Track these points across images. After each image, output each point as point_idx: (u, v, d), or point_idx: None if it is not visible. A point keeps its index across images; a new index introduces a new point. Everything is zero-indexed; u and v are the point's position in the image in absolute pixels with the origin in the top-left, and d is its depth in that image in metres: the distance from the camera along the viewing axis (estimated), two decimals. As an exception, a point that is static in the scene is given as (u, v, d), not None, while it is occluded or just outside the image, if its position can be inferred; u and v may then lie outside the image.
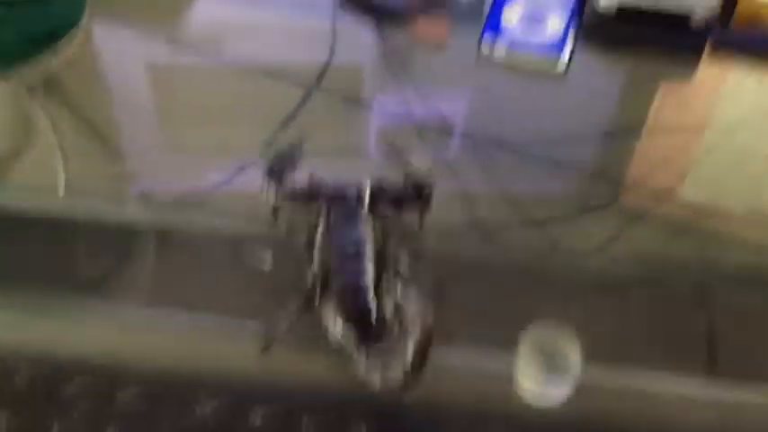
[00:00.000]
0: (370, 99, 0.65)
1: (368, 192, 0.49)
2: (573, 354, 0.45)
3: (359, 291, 0.45)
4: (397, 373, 0.42)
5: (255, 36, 0.69)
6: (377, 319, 0.44)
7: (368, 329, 0.44)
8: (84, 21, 0.58)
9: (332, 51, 0.66)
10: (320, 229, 0.47)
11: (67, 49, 0.56)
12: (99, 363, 0.44)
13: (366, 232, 0.47)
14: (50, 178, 0.57)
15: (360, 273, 0.45)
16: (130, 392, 0.43)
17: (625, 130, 0.64)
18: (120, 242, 0.53)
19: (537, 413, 0.44)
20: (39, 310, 0.47)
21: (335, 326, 0.44)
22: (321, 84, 0.64)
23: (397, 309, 0.45)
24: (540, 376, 0.44)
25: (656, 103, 0.65)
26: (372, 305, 0.45)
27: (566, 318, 0.46)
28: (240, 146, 0.60)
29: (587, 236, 0.56)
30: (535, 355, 0.45)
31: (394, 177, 0.50)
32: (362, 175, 0.58)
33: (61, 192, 0.56)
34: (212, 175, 0.57)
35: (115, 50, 0.66)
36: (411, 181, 0.50)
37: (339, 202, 0.48)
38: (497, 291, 0.49)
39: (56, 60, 0.56)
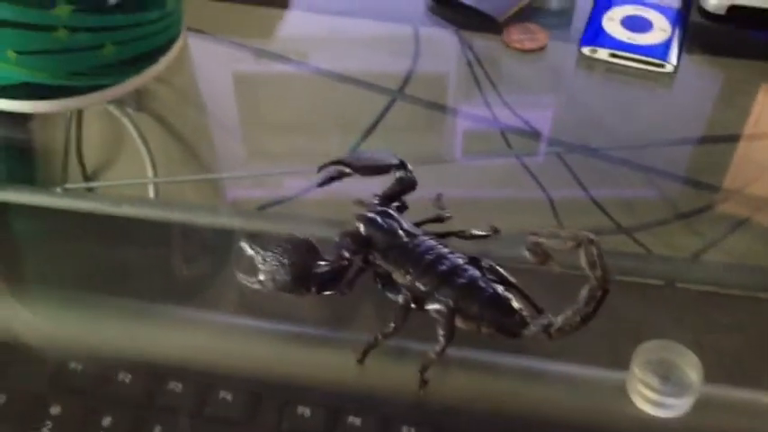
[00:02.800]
0: (455, 106, 0.64)
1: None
2: (691, 369, 0.42)
3: (489, 294, 0.42)
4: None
5: (341, 46, 0.68)
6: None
7: (518, 322, 0.42)
8: (181, 36, 0.58)
9: (416, 58, 0.65)
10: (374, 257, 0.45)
11: (163, 64, 0.57)
12: (196, 369, 0.44)
13: (421, 233, 0.45)
14: (140, 187, 0.58)
15: (470, 276, 0.43)
16: (227, 398, 0.42)
17: (727, 135, 0.61)
18: (212, 248, 0.53)
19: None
20: (136, 315, 0.47)
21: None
22: (405, 91, 0.62)
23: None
24: (656, 394, 0.41)
25: (759, 108, 0.61)
26: (510, 298, 0.42)
27: (672, 330, 0.44)
28: (325, 153, 0.59)
29: (680, 244, 0.53)
30: (649, 371, 0.42)
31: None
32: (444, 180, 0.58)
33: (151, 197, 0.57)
34: (298, 182, 0.57)
35: (205, 64, 0.66)
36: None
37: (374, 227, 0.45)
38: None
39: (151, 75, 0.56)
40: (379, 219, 0.45)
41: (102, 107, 0.61)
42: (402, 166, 0.49)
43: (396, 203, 0.48)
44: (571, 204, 0.55)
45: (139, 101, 0.62)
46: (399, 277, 0.44)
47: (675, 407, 0.41)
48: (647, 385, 0.41)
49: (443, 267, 0.43)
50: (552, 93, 0.65)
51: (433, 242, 0.45)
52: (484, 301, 0.42)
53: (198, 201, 0.58)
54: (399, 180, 0.48)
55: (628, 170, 0.57)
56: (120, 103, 0.61)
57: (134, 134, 0.60)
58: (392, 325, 0.42)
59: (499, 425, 0.42)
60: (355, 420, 0.41)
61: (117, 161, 0.59)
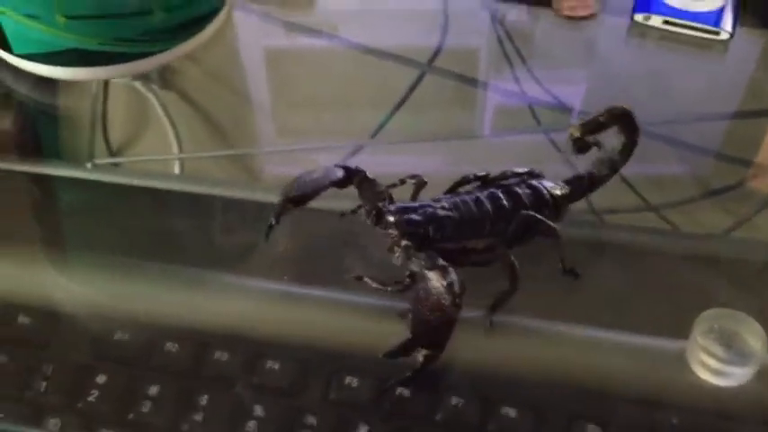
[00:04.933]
0: (486, 80, 0.62)
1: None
2: (754, 338, 0.41)
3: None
4: None
5: (371, 19, 0.67)
6: None
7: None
8: (226, 3, 0.57)
9: (444, 31, 0.64)
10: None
11: (210, 31, 0.56)
12: (243, 337, 0.43)
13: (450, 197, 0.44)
14: (166, 163, 0.57)
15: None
16: (275, 368, 0.41)
17: (762, 110, 0.59)
18: (245, 220, 0.52)
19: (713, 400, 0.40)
20: (180, 283, 0.47)
21: None
22: (435, 65, 0.61)
23: None
24: (718, 363, 0.40)
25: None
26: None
27: (734, 300, 0.42)
28: (354, 129, 0.58)
29: (709, 221, 0.52)
30: (712, 339, 0.40)
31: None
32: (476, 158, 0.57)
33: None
34: (327, 158, 0.55)
35: (233, 38, 0.65)
36: None
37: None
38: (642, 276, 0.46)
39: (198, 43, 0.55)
40: (412, 215, 0.43)
41: (127, 83, 0.60)
42: (348, 177, 0.45)
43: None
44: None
45: (165, 77, 0.61)
46: (475, 244, 0.43)
47: (738, 375, 0.40)
48: (710, 353, 0.40)
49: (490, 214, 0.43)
50: (599, 63, 0.64)
51: (464, 197, 0.44)
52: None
53: (224, 177, 0.57)
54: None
55: (661, 145, 0.56)
56: (145, 79, 0.60)
57: (159, 111, 0.59)
58: (512, 282, 0.42)
59: (555, 396, 0.40)
60: (404, 391, 0.40)
61: (143, 137, 0.58)
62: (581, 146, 0.46)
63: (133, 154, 0.57)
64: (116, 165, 0.57)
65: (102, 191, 0.53)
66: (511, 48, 0.63)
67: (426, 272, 0.39)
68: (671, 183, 0.55)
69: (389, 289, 0.42)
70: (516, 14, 0.66)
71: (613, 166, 0.47)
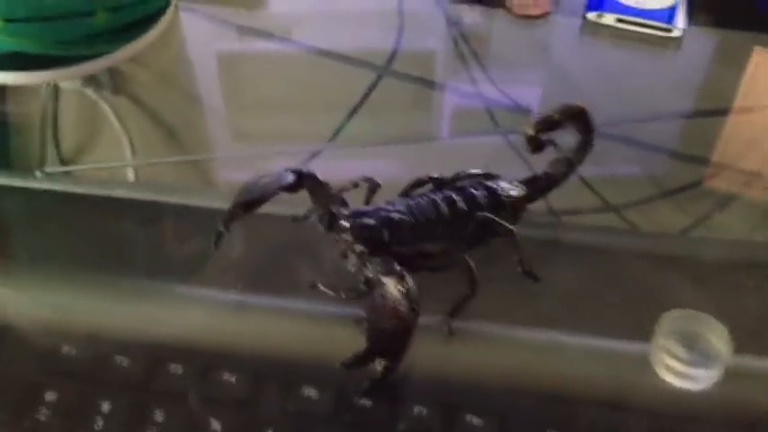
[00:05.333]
0: (443, 82, 0.62)
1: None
2: (718, 339, 0.40)
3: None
4: None
5: (325, 21, 0.66)
6: None
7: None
8: (172, 4, 0.55)
9: (400, 33, 0.63)
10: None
11: (155, 33, 0.54)
12: (196, 349, 0.42)
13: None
14: (119, 170, 0.55)
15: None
16: (230, 380, 0.40)
17: (720, 108, 0.59)
18: (199, 228, 0.50)
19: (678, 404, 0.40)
20: (131, 295, 0.45)
21: None
22: (391, 67, 0.60)
23: None
24: (682, 365, 0.39)
25: (750, 78, 0.60)
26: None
27: (695, 301, 0.42)
28: (311, 133, 0.57)
29: (666, 220, 0.52)
30: (674, 342, 0.40)
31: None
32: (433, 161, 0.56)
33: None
34: (283, 162, 0.54)
35: (184, 41, 0.64)
36: None
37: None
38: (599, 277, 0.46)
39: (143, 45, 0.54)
40: (365, 220, 0.42)
41: (77, 89, 0.58)
42: (299, 181, 0.43)
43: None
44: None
45: (116, 82, 0.59)
46: (431, 248, 0.42)
47: (703, 378, 0.39)
48: (673, 355, 0.39)
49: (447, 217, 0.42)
50: (554, 63, 0.63)
51: (419, 200, 0.43)
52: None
53: (179, 183, 0.55)
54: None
55: (617, 145, 0.55)
56: (97, 85, 0.58)
57: (111, 117, 0.57)
58: (471, 286, 0.40)
59: (518, 402, 0.39)
60: (364, 401, 0.39)
61: (95, 144, 0.57)
62: (536, 144, 0.45)
63: (85, 161, 0.56)
64: (67, 173, 0.55)
65: (51, 200, 0.51)
66: (466, 49, 0.62)
67: (382, 278, 0.37)
68: (628, 183, 0.54)
69: (344, 296, 0.41)
70: (471, 15, 0.65)
71: (570, 165, 0.46)
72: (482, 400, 0.39)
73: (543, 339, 0.42)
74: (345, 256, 0.41)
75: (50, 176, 0.54)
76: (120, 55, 0.52)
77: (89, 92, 0.58)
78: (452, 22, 0.64)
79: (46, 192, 0.52)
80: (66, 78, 0.53)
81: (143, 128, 0.57)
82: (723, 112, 0.59)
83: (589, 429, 0.39)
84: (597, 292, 0.44)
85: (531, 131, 0.45)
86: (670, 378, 0.40)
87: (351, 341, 0.37)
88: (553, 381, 0.40)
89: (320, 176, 0.43)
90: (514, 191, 0.45)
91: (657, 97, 0.59)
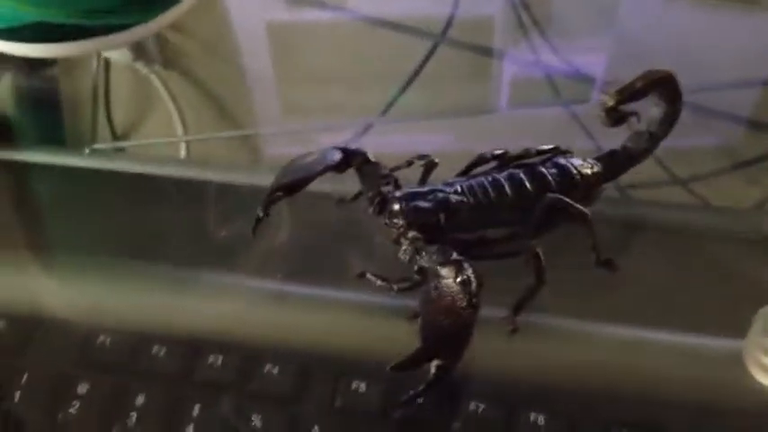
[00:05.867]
0: (502, 50, 0.56)
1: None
2: None
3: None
4: None
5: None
6: None
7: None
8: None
9: (456, 0, 0.57)
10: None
11: (186, 4, 0.49)
12: (238, 340, 0.37)
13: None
14: (171, 146, 0.52)
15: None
16: (273, 373, 0.35)
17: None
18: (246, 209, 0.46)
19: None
20: (171, 283, 0.41)
21: None
22: (448, 36, 0.55)
23: None
24: None
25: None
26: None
27: None
28: (363, 106, 0.53)
29: (740, 195, 0.46)
30: None
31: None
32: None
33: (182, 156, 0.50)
34: (334, 137, 0.51)
35: (233, 12, 0.59)
36: None
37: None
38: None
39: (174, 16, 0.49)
40: (420, 202, 0.36)
41: (128, 63, 0.55)
42: (346, 160, 0.38)
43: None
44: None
45: (166, 55, 0.56)
46: (494, 234, 0.37)
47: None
48: None
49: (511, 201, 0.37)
50: (621, 27, 0.57)
51: (481, 180, 0.38)
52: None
53: (231, 158, 0.52)
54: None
55: (687, 115, 0.49)
56: (147, 59, 0.55)
57: (162, 91, 0.54)
58: (538, 277, 0.35)
59: (589, 404, 0.34)
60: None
61: (146, 119, 0.53)
62: (616, 117, 0.39)
63: (137, 137, 0.52)
64: (119, 149, 0.52)
65: (94, 180, 0.48)
66: (526, 15, 0.56)
67: (438, 268, 0.33)
68: (697, 154, 0.49)
69: (396, 287, 0.36)
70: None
71: (653, 139, 0.40)
72: (549, 401, 0.35)
73: (620, 335, 0.37)
74: (398, 243, 0.36)
75: (98, 153, 0.50)
76: (154, 25, 0.47)
77: (139, 66, 0.55)
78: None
79: (90, 170, 0.49)
80: (98, 49, 0.49)
81: (193, 102, 0.54)
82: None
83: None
84: (682, 281, 0.39)
85: (610, 102, 0.38)
86: (765, 378, 0.34)
87: (404, 337, 0.33)
88: (630, 381, 0.35)
89: (371, 153, 0.39)
90: (589, 169, 0.39)
91: (736, 64, 0.53)
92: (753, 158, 0.48)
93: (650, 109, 0.40)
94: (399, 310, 0.36)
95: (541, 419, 0.33)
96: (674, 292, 0.38)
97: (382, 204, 0.36)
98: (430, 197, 0.36)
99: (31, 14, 0.45)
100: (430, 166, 0.40)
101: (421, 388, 0.32)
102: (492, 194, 0.37)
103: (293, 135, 0.52)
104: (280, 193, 0.37)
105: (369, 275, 0.37)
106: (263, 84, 0.56)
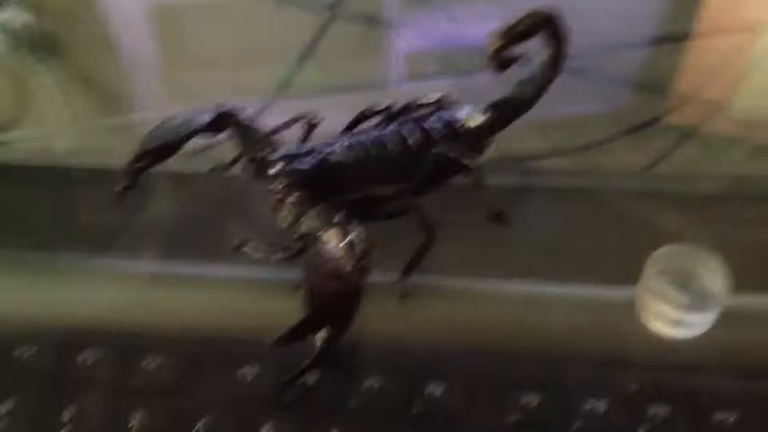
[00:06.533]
0: (394, 22, 0.54)
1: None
2: (713, 276, 0.33)
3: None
4: None
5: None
6: None
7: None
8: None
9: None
10: None
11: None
12: (114, 331, 0.34)
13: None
14: (53, 134, 0.49)
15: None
16: (151, 363, 0.33)
17: (678, 34, 0.52)
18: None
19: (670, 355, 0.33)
20: (47, 271, 0.37)
21: None
22: (338, 9, 0.53)
23: None
24: (673, 310, 0.32)
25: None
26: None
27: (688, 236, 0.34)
28: (255, 87, 0.50)
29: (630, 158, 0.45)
30: (664, 282, 0.33)
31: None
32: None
33: (64, 146, 0.48)
34: None
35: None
36: None
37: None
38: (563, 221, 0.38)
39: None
40: (299, 164, 0.34)
41: (7, 52, 0.53)
42: (218, 122, 0.35)
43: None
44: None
45: (48, 44, 0.53)
46: (378, 192, 0.35)
47: (696, 325, 0.33)
48: (663, 299, 0.33)
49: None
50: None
51: (362, 138, 0.36)
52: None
53: (117, 147, 0.47)
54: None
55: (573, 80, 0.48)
56: (29, 48, 0.52)
57: (45, 80, 0.51)
58: (426, 235, 0.33)
59: (488, 364, 0.33)
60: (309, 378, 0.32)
61: (29, 109, 0.50)
62: (500, 61, 0.37)
63: (22, 128, 0.49)
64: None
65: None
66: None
67: (319, 232, 0.30)
68: (585, 121, 0.48)
69: (273, 258, 0.33)
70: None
71: (540, 83, 0.38)
72: (446, 365, 0.33)
73: (515, 291, 0.36)
74: (277, 210, 0.33)
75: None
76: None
77: (20, 54, 0.52)
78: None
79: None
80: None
81: (78, 91, 0.52)
82: (681, 38, 0.51)
83: (572, 389, 0.32)
84: (573, 234, 0.38)
85: (496, 44, 0.36)
86: (659, 326, 0.33)
87: (290, 310, 0.30)
88: (527, 338, 0.34)
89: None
90: (475, 120, 0.37)
91: (617, 25, 0.52)
92: (640, 124, 0.47)
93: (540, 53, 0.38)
94: (284, 283, 0.33)
95: (440, 389, 0.32)
96: (566, 245, 0.37)
97: (259, 168, 0.34)
98: (310, 157, 0.34)
99: None
100: (311, 126, 0.38)
101: (306, 363, 0.30)
102: (375, 151, 0.35)
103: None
104: (145, 158, 0.34)
105: (245, 248, 0.35)
106: (150, 69, 0.53)
